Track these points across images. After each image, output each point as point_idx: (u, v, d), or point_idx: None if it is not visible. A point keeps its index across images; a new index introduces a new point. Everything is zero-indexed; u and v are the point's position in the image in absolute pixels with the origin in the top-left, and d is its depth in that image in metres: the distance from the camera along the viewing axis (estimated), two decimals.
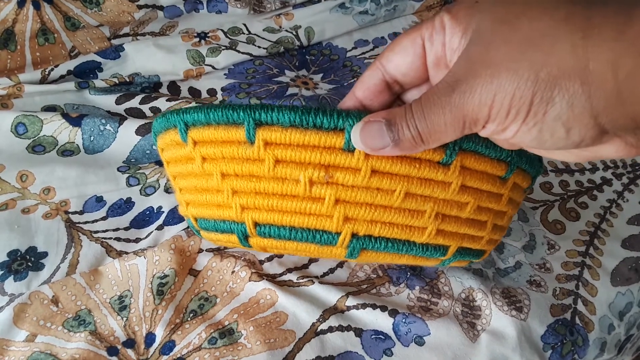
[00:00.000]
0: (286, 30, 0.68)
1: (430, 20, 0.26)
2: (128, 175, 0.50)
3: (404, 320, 0.40)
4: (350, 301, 0.41)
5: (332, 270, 0.44)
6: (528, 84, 0.21)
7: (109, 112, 0.57)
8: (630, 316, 0.45)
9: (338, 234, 0.29)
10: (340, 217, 0.28)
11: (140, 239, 0.45)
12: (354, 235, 0.29)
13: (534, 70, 0.21)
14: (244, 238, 0.31)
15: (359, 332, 0.39)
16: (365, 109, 0.30)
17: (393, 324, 0.40)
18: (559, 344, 0.40)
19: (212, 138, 0.29)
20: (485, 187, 0.30)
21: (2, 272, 0.42)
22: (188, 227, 0.45)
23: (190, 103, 0.57)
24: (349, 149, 0.27)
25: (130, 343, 0.38)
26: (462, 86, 0.22)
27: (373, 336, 0.39)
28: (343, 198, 0.28)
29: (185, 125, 0.30)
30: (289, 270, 0.43)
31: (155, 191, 0.49)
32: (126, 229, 0.46)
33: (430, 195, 0.29)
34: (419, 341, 0.39)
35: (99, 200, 0.48)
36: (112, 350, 0.38)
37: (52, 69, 0.59)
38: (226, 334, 0.39)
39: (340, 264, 0.44)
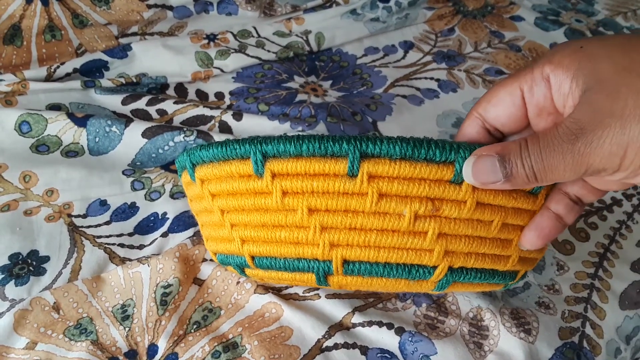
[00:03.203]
0: (296, 35, 0.67)
1: (528, 71, 0.26)
2: (133, 179, 0.50)
3: (410, 339, 0.39)
4: (357, 318, 0.40)
5: None
6: None
7: (114, 112, 0.56)
8: (637, 340, 0.45)
9: (434, 267, 0.29)
10: (441, 251, 0.28)
11: (144, 246, 0.45)
12: (449, 269, 0.29)
13: None
14: (324, 277, 0.30)
15: (364, 350, 0.39)
16: None
17: (399, 343, 0.39)
18: None
19: (301, 170, 0.27)
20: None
21: (3, 276, 0.41)
22: (193, 235, 0.45)
23: (197, 106, 0.57)
24: (457, 181, 0.27)
25: (132, 354, 0.38)
26: (588, 136, 0.23)
27: (379, 355, 0.39)
28: (445, 231, 0.28)
29: (263, 156, 0.27)
30: None
31: (160, 196, 0.48)
32: (130, 234, 0.45)
33: (519, 224, 0.29)
34: None
35: (103, 204, 0.48)
36: None
37: (58, 67, 0.58)
38: (230, 347, 0.38)
39: None
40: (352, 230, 0.28)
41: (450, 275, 0.29)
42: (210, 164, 0.30)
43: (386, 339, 0.39)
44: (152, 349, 0.38)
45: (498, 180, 0.25)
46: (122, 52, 0.61)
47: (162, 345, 0.38)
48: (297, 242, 0.29)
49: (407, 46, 0.69)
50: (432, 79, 0.65)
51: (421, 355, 0.39)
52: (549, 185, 0.30)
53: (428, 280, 0.29)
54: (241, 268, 0.33)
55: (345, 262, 0.29)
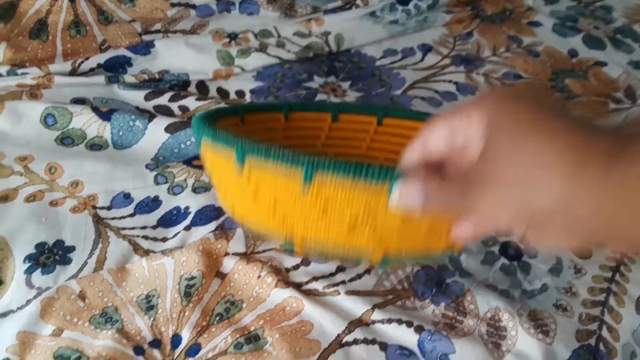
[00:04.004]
0: (316, 36, 0.68)
1: (459, 111, 0.29)
2: (156, 173, 0.50)
3: (429, 338, 0.40)
4: (376, 315, 0.40)
5: (359, 276, 0.44)
6: (521, 213, 0.26)
7: (137, 108, 0.57)
8: None
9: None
10: (377, 248, 0.32)
11: (167, 239, 0.45)
12: (384, 256, 0.33)
13: (523, 203, 0.25)
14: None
15: (383, 346, 0.39)
16: None
17: (418, 341, 0.40)
18: None
19: (269, 170, 0.31)
20: None
21: (30, 264, 0.42)
22: (216, 229, 0.45)
23: (219, 103, 0.57)
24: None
25: (156, 343, 0.38)
26: (478, 189, 0.26)
27: (398, 352, 0.39)
28: (379, 234, 0.32)
29: (243, 152, 0.32)
30: (315, 279, 0.43)
31: (182, 190, 0.49)
32: (154, 227, 0.46)
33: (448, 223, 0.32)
34: (444, 359, 0.39)
35: (127, 196, 0.48)
36: (138, 350, 0.38)
37: (83, 62, 0.59)
38: (252, 339, 0.39)
39: (368, 271, 0.44)
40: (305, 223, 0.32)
41: (387, 262, 0.34)
42: (209, 143, 0.34)
43: (405, 336, 0.40)
44: (176, 339, 0.39)
45: (416, 208, 0.28)
46: (145, 48, 0.62)
47: (186, 335, 0.39)
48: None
49: (426, 49, 0.70)
50: (450, 81, 0.65)
51: (440, 353, 0.39)
52: None
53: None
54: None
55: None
